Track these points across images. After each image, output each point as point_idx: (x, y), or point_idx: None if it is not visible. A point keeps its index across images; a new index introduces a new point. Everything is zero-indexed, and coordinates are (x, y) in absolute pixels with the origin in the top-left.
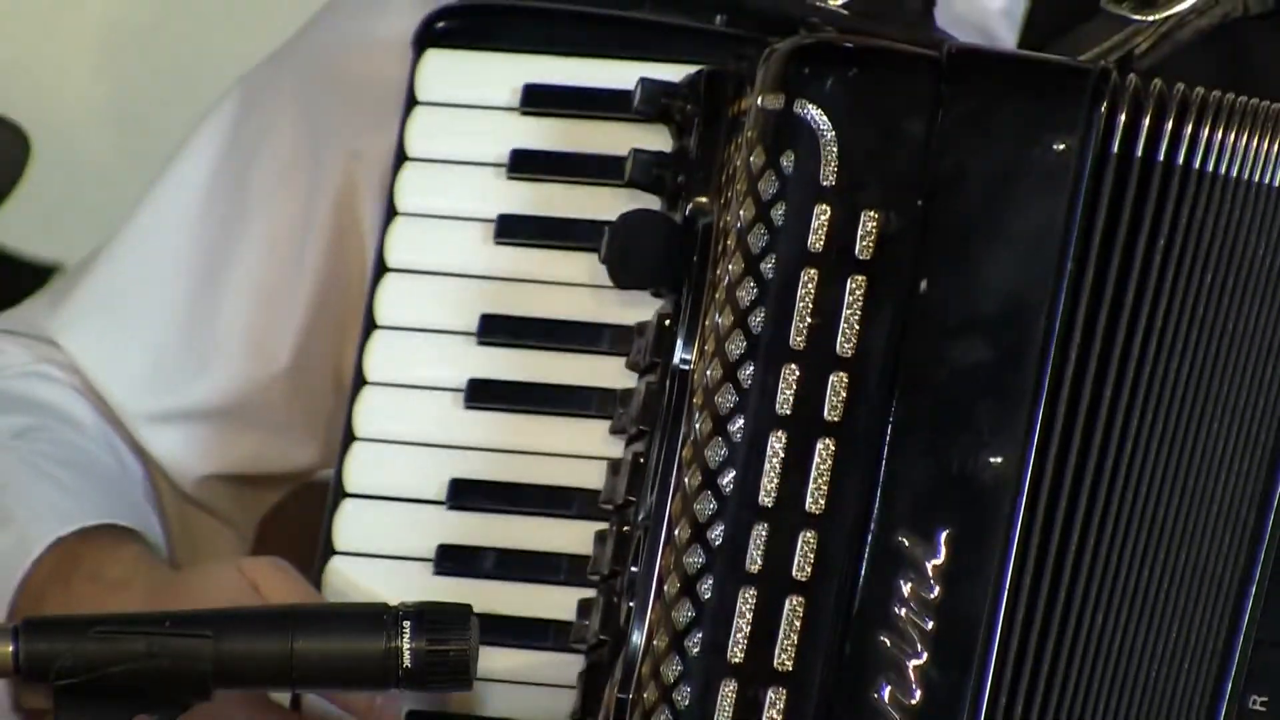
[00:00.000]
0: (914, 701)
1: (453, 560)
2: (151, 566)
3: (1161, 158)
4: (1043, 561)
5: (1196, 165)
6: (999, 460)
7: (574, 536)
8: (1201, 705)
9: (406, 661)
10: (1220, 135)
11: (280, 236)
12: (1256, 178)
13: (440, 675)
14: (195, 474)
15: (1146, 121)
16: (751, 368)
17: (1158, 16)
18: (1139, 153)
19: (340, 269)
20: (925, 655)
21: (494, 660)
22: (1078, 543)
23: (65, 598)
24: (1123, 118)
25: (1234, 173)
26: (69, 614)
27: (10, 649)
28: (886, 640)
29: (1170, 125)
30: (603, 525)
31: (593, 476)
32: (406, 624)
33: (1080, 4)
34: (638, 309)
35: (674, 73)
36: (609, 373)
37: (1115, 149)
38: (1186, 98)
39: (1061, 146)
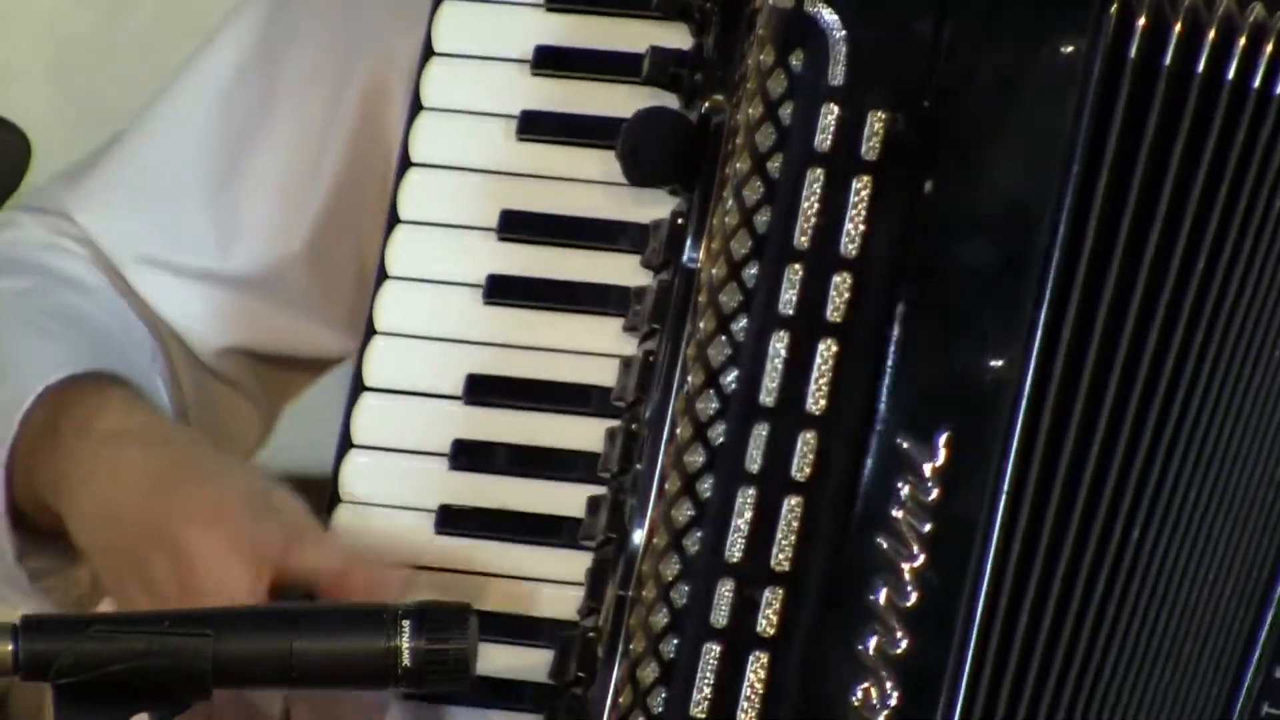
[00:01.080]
0: (909, 604)
1: (468, 456)
2: (148, 419)
3: (1200, 69)
4: (1048, 467)
5: (1244, 80)
6: (1000, 364)
7: (589, 433)
8: (1235, 633)
9: (406, 661)
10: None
11: (305, 128)
12: None
13: (439, 674)
14: (216, 343)
15: (1177, 29)
16: (756, 267)
17: None
18: (1166, 62)
19: (364, 165)
20: (922, 558)
21: (507, 556)
22: (1077, 448)
23: (55, 452)
24: (1141, 22)
25: (1228, 77)
26: (69, 613)
27: (10, 648)
28: (883, 542)
29: (1213, 37)
30: (617, 423)
31: (609, 374)
32: (406, 623)
33: None
34: (656, 207)
35: None
36: (626, 270)
37: (1133, 54)
38: (1233, 15)
39: (1070, 49)
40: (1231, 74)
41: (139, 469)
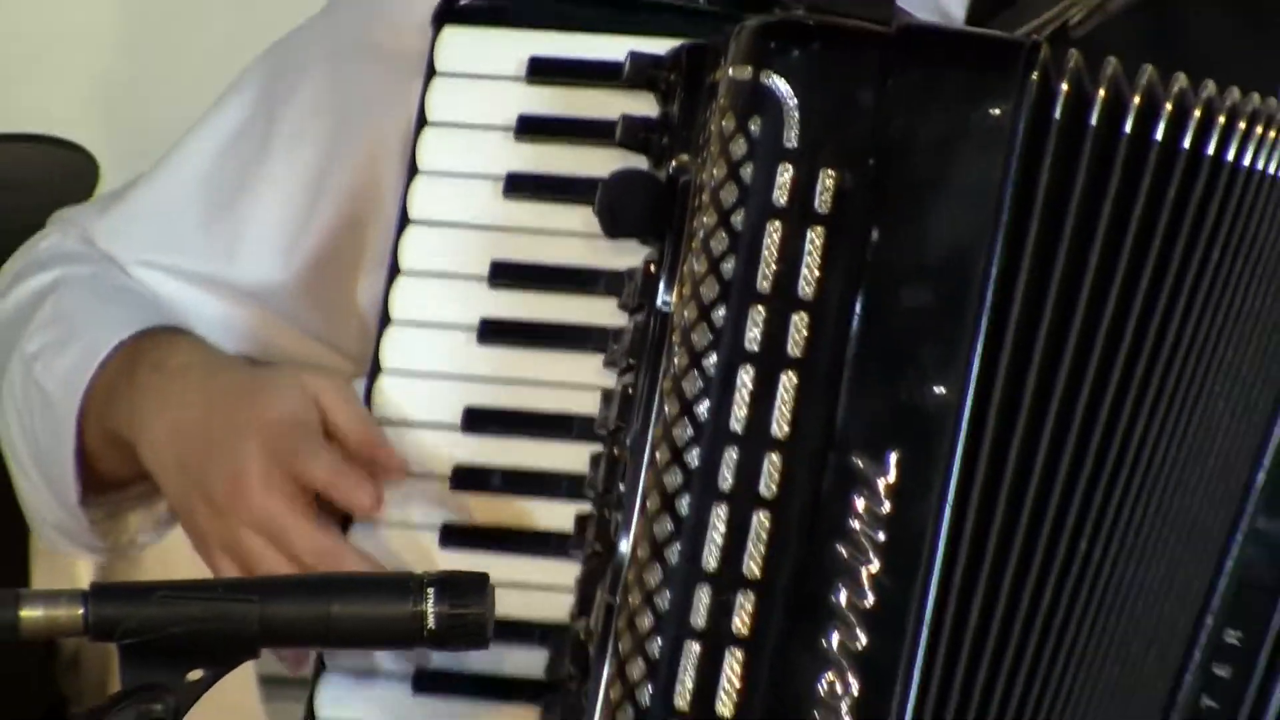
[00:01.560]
0: (867, 604)
1: (466, 478)
2: (210, 351)
3: (1128, 130)
4: (991, 483)
5: (1161, 139)
6: (942, 391)
7: (573, 457)
8: (1176, 634)
9: (430, 624)
10: (1169, 106)
11: (298, 179)
12: (1210, 151)
13: (460, 636)
14: (229, 351)
15: (1100, 94)
16: (724, 309)
17: None
18: (1092, 123)
19: (360, 216)
20: (877, 563)
21: (503, 566)
22: (1020, 466)
23: (131, 390)
24: (1064, 87)
25: (1184, 145)
26: (134, 581)
27: (80, 612)
28: (843, 550)
29: (1138, 102)
30: (597, 448)
31: (589, 404)
32: (431, 590)
33: None
34: (629, 256)
35: (660, 46)
36: (603, 312)
37: (1057, 115)
38: (1156, 81)
39: (997, 111)
40: (1159, 135)
41: (202, 391)
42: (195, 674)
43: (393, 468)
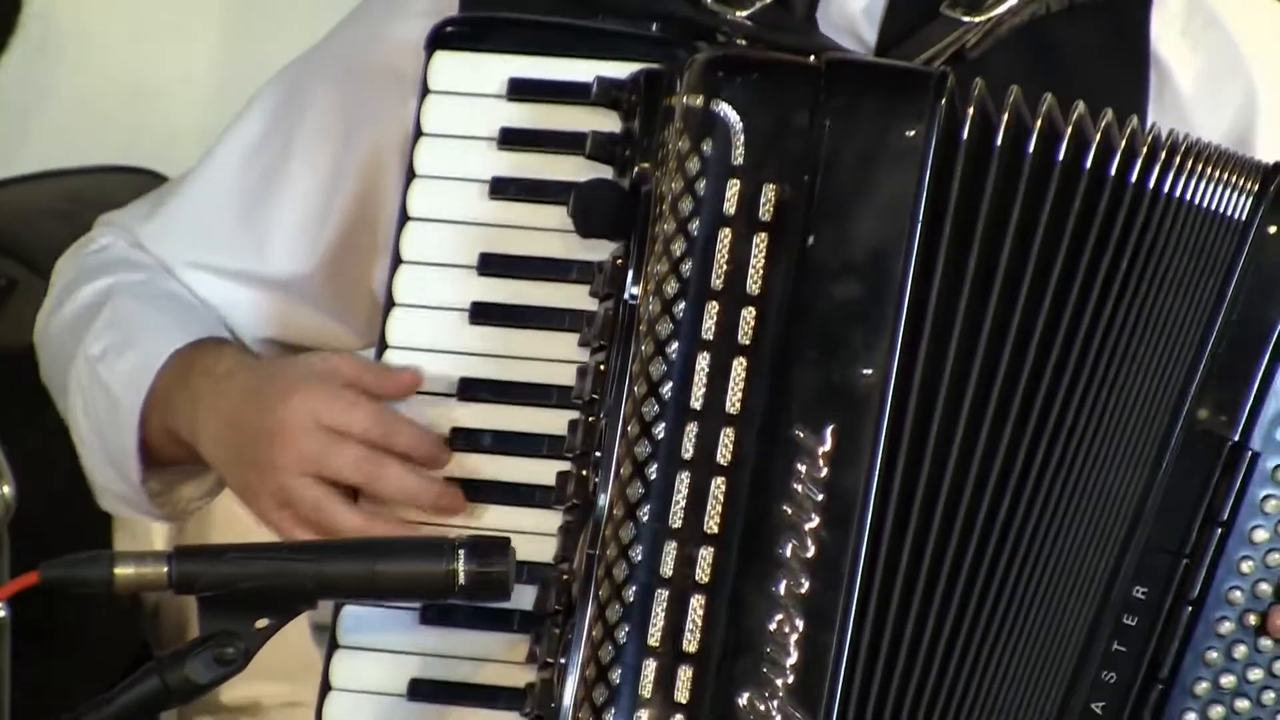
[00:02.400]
0: (809, 555)
1: (463, 439)
2: (252, 360)
3: (1032, 150)
4: (915, 450)
5: (1076, 160)
6: (869, 372)
7: (553, 421)
8: (1093, 589)
9: (461, 581)
10: (1068, 131)
11: (315, 180)
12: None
13: (486, 591)
14: (257, 334)
15: (1005, 118)
16: (683, 304)
17: (983, 18)
18: (998, 143)
19: (368, 212)
20: (817, 520)
21: (494, 514)
22: (941, 435)
23: (187, 392)
24: (971, 111)
25: (1059, 158)
26: (211, 544)
27: (165, 570)
28: (788, 509)
29: (1040, 125)
30: (574, 414)
31: (566, 376)
32: (461, 552)
33: (924, 7)
34: (598, 249)
35: (621, 70)
36: (578, 297)
37: (965, 137)
38: (1054, 106)
39: (911, 133)
40: (1061, 155)
41: (244, 387)
42: (262, 622)
43: (403, 380)
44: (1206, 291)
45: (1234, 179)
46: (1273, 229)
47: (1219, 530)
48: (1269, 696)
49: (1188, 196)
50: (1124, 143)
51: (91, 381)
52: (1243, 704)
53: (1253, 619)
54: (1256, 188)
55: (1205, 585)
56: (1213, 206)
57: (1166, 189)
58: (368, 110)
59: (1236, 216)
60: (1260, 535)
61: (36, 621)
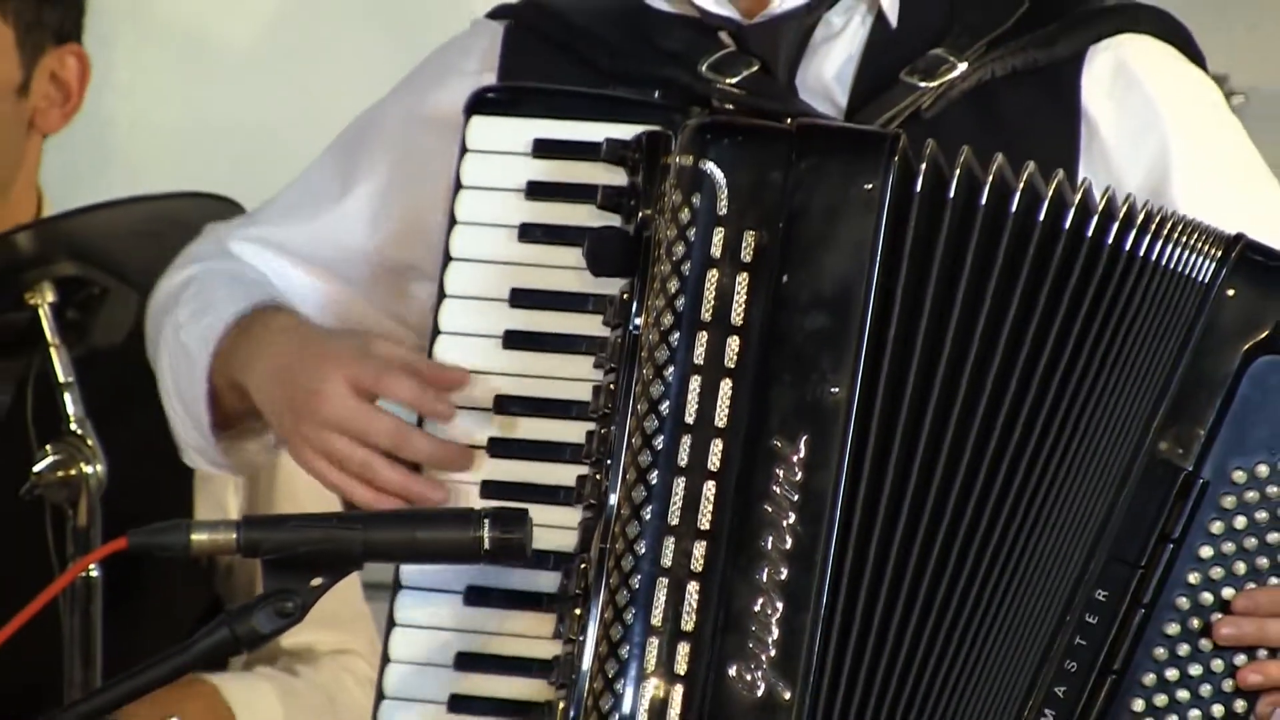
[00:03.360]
0: (787, 547)
1: (500, 446)
2: (303, 319)
3: (985, 201)
4: (879, 458)
5: (1029, 213)
6: (837, 390)
7: (574, 431)
8: (1059, 592)
9: (486, 545)
10: (1016, 184)
11: (374, 194)
12: (1009, 207)
13: (507, 553)
14: (325, 322)
15: (957, 174)
16: (678, 334)
17: (936, 83)
18: (951, 195)
19: (412, 242)
20: (793, 516)
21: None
22: (904, 443)
23: (247, 342)
24: (923, 167)
25: (1012, 209)
26: (273, 514)
27: (235, 536)
28: (768, 508)
29: (991, 179)
30: (591, 426)
31: (584, 392)
32: (486, 521)
33: (886, 74)
34: (611, 284)
35: (628, 132)
36: (593, 325)
37: (919, 189)
38: (1004, 165)
39: (869, 187)
40: (1014, 207)
41: (293, 341)
42: (316, 581)
43: (456, 377)
44: (1171, 341)
45: (1200, 245)
46: (1230, 291)
47: (1170, 546)
48: (1206, 689)
49: (1158, 258)
50: (1102, 205)
51: (174, 343)
52: (1183, 694)
53: (1196, 623)
54: (1219, 254)
55: (1156, 592)
56: (1180, 269)
57: (1141, 251)
58: (420, 156)
59: (1200, 279)
60: (1206, 552)
61: (124, 581)
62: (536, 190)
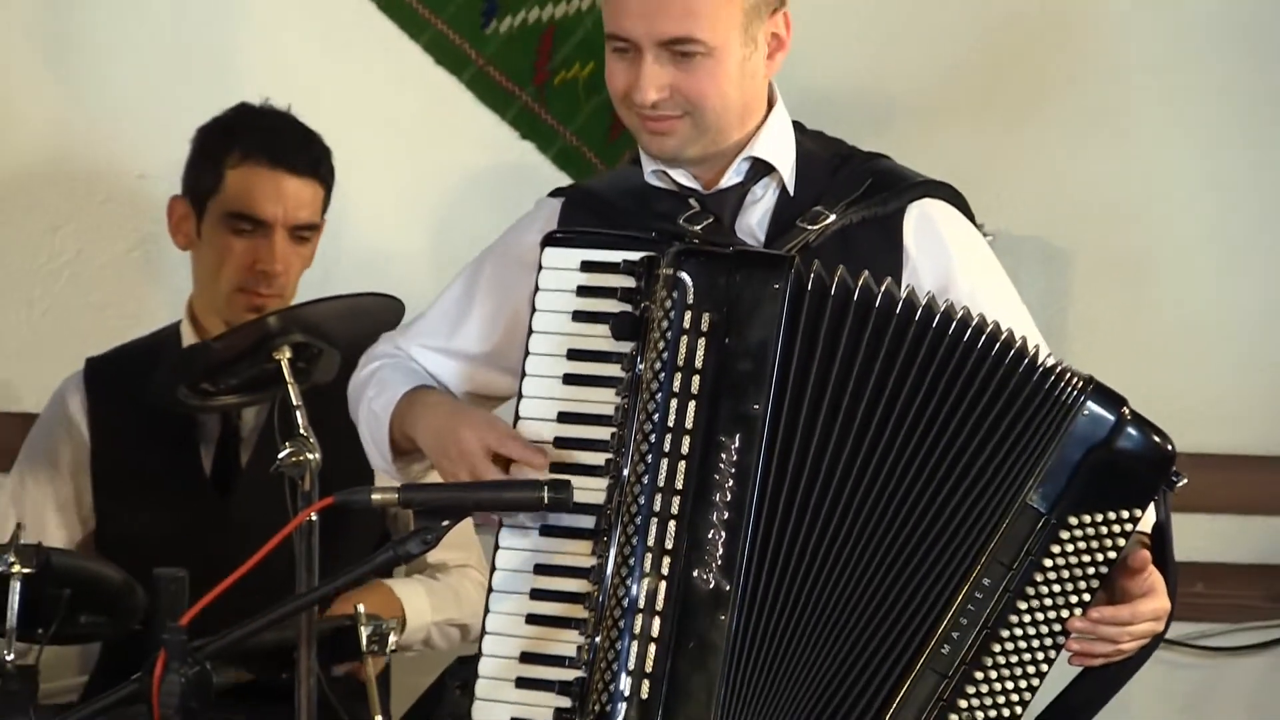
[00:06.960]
0: (729, 500)
1: (563, 443)
2: (449, 396)
3: (855, 296)
4: (785, 450)
5: (879, 306)
6: (756, 406)
7: (603, 432)
8: (948, 572)
9: (545, 501)
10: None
11: (487, 310)
12: (879, 304)
13: (558, 506)
14: (461, 390)
15: (837, 278)
16: (664, 373)
17: (817, 228)
18: (832, 291)
19: (512, 337)
20: (731, 482)
21: (578, 482)
22: (803, 440)
23: (411, 408)
24: (813, 273)
25: (877, 302)
26: (417, 483)
27: (396, 496)
28: (717, 476)
29: (855, 285)
30: (614, 429)
31: (610, 409)
32: (545, 487)
33: (786, 222)
34: (625, 345)
35: (637, 255)
36: (615, 370)
37: (809, 288)
38: (869, 278)
39: (777, 285)
40: (878, 301)
41: (444, 412)
42: (446, 521)
43: (540, 460)
44: (1043, 436)
45: (1070, 377)
46: (1086, 411)
47: (1029, 559)
48: (1045, 637)
49: (1039, 382)
50: (925, 302)
51: (368, 412)
52: (1025, 642)
53: (1039, 601)
54: (1082, 384)
55: (1021, 583)
56: (1055, 392)
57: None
58: (511, 280)
59: (1066, 399)
60: (1048, 563)
61: (332, 523)
62: (584, 291)
